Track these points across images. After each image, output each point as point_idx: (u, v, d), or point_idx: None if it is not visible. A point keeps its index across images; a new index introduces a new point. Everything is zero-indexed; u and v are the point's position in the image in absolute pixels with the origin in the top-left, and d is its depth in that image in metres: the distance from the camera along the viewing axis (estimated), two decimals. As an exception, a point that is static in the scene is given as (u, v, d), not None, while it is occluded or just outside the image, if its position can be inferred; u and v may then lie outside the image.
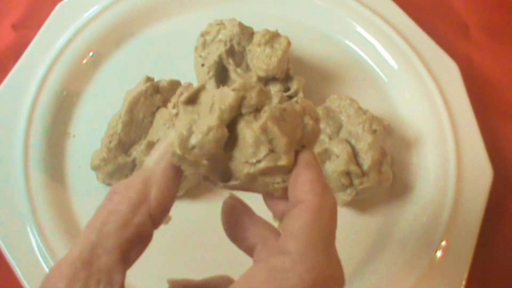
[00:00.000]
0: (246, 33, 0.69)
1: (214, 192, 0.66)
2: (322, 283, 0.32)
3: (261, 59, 0.65)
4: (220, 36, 0.69)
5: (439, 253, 0.62)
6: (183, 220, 0.64)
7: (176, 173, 0.35)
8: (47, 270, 0.59)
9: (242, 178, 0.34)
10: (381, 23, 0.75)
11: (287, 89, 0.67)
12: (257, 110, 0.34)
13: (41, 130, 0.67)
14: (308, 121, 0.35)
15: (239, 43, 0.68)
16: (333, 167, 0.62)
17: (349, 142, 0.63)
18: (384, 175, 0.63)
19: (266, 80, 0.67)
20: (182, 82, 0.67)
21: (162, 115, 0.62)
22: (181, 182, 0.37)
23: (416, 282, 0.60)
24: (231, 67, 0.68)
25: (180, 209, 0.65)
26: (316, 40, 0.77)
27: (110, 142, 0.62)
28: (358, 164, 0.62)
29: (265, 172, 0.34)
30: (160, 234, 0.65)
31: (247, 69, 0.68)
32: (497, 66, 0.78)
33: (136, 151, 0.63)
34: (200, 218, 0.65)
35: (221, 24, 0.69)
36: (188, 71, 0.70)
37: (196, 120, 0.34)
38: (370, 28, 0.76)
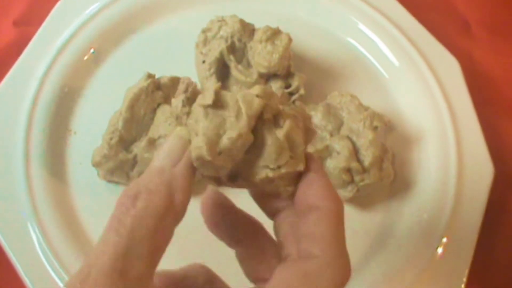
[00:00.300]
0: (247, 29, 0.69)
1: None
2: (346, 282, 0.35)
3: (262, 56, 0.65)
4: (221, 33, 0.69)
5: (440, 250, 0.62)
6: (184, 217, 0.65)
7: (193, 175, 0.35)
8: (48, 266, 0.59)
9: (258, 181, 0.35)
10: (382, 20, 0.75)
11: (288, 86, 0.67)
12: (274, 116, 0.35)
13: (42, 127, 0.67)
14: (309, 125, 0.37)
15: (240, 40, 0.68)
16: (334, 164, 0.62)
17: (350, 139, 0.63)
18: (385, 172, 0.63)
19: (267, 77, 0.67)
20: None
21: (163, 111, 0.62)
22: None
23: (417, 278, 0.61)
24: (232, 63, 0.68)
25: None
26: (317, 36, 0.77)
27: (111, 138, 0.62)
28: (359, 160, 0.62)
29: (283, 176, 0.35)
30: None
31: (248, 65, 0.68)
32: (498, 62, 0.78)
33: (137, 148, 0.63)
34: (200, 215, 0.64)
35: (222, 20, 0.69)
36: (189, 68, 0.70)
37: (222, 125, 0.34)
38: (371, 25, 0.76)
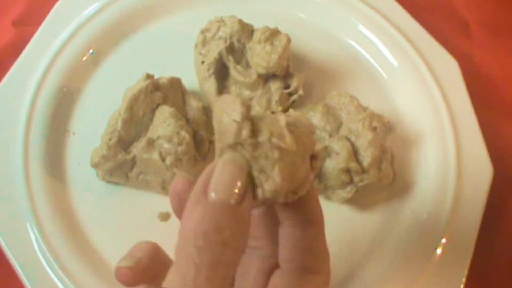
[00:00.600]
0: (246, 30, 0.69)
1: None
2: None
3: (261, 56, 0.65)
4: (220, 33, 0.69)
5: (439, 250, 0.62)
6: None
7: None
8: (47, 267, 0.59)
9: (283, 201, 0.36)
10: (381, 20, 0.75)
11: (287, 86, 0.68)
12: None
13: (41, 127, 0.67)
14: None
15: (239, 40, 0.68)
16: (333, 164, 0.62)
17: (349, 139, 0.63)
18: (384, 172, 0.63)
19: (266, 77, 0.67)
20: (182, 80, 0.67)
21: (162, 112, 0.62)
22: None
23: (416, 279, 0.60)
24: (231, 64, 0.68)
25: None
26: (316, 37, 0.77)
27: (110, 139, 0.62)
28: (358, 161, 0.62)
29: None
30: (160, 232, 0.65)
31: (247, 66, 0.68)
32: (497, 63, 0.78)
33: (136, 149, 0.62)
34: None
35: (221, 21, 0.69)
36: (188, 68, 0.70)
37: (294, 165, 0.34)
38: (370, 25, 0.76)
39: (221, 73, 0.69)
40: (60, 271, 0.59)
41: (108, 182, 0.65)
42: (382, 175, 0.63)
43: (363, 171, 0.62)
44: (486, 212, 0.63)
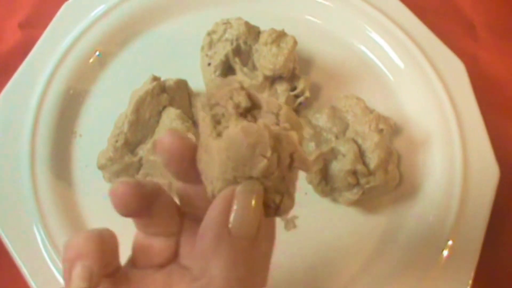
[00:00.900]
0: (253, 32, 0.69)
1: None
2: None
3: (267, 58, 0.65)
4: (226, 35, 0.69)
5: (445, 253, 0.62)
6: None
7: None
8: (53, 268, 0.59)
9: None
10: (387, 22, 0.75)
11: (293, 88, 0.68)
12: None
13: (47, 129, 0.67)
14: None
15: (245, 42, 0.68)
16: (339, 166, 0.62)
17: (355, 142, 0.63)
18: (390, 174, 0.63)
19: (273, 79, 0.67)
20: (189, 82, 0.68)
21: (169, 114, 0.62)
22: None
23: (422, 281, 0.60)
24: (237, 66, 0.68)
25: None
26: (322, 39, 0.77)
27: (116, 141, 0.62)
28: (364, 163, 0.62)
29: None
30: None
31: (254, 68, 0.68)
32: (503, 65, 0.78)
33: (143, 151, 0.63)
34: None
35: (227, 23, 0.69)
36: (194, 70, 0.70)
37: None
38: (376, 27, 0.76)
39: (228, 75, 0.69)
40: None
41: (114, 184, 0.65)
42: (389, 177, 0.63)
43: (370, 173, 0.62)
44: (492, 214, 0.63)
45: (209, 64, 0.68)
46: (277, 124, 0.33)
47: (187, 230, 0.39)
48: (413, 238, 0.64)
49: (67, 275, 0.34)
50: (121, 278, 0.38)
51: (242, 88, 0.35)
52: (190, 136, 0.60)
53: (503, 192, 0.65)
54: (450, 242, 0.62)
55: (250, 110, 0.35)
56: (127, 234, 0.64)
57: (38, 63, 0.71)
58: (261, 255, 0.33)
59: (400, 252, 0.63)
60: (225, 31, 0.69)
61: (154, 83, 0.64)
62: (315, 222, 0.65)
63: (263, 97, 0.35)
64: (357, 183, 0.62)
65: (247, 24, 0.68)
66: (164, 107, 0.64)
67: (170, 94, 0.65)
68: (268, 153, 0.31)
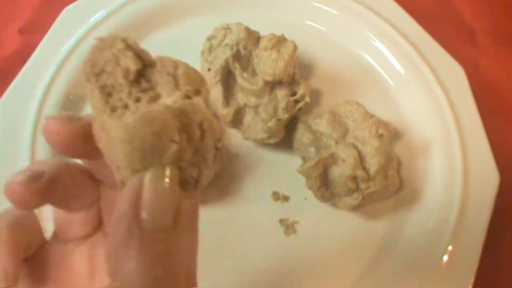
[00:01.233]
0: (253, 37, 0.69)
1: (221, 196, 0.66)
2: None
3: (267, 64, 0.65)
4: (226, 41, 0.69)
5: (445, 258, 0.62)
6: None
7: None
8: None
9: None
10: (387, 28, 0.75)
11: (293, 94, 0.67)
12: None
13: (47, 135, 0.67)
14: None
15: (245, 48, 0.68)
16: (339, 172, 0.62)
17: (355, 147, 0.63)
18: (390, 180, 0.63)
19: (273, 85, 0.67)
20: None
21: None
22: None
23: (422, 286, 0.60)
24: (237, 71, 0.68)
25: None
26: (322, 44, 0.77)
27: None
28: (364, 168, 0.62)
29: None
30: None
31: (254, 73, 0.68)
32: (503, 70, 0.78)
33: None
34: (206, 221, 0.64)
35: (227, 28, 0.69)
36: (194, 75, 0.70)
37: None
38: (377, 33, 0.76)
39: (228, 80, 0.69)
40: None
41: (114, 189, 0.65)
42: (389, 183, 0.63)
43: (370, 178, 0.62)
44: (492, 219, 0.63)
45: (209, 69, 0.68)
46: (177, 88, 0.31)
47: (106, 196, 0.36)
48: (413, 243, 0.64)
49: None
50: (42, 256, 0.35)
51: (128, 46, 0.32)
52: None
53: (503, 197, 0.65)
54: (450, 248, 0.62)
55: (142, 72, 0.32)
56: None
57: (38, 69, 0.70)
58: (182, 249, 0.29)
59: (400, 257, 0.63)
60: (225, 36, 0.69)
61: (154, 88, 0.64)
62: (315, 227, 0.65)
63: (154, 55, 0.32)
64: (357, 189, 0.62)
65: (247, 29, 0.69)
66: (164, 112, 0.64)
67: (170, 99, 0.64)
68: (176, 137, 0.29)
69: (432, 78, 0.72)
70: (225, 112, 0.67)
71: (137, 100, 0.30)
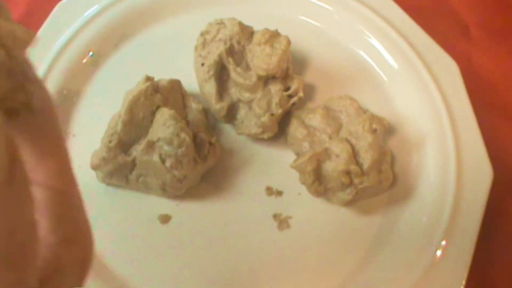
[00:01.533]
0: (246, 32, 0.69)
1: (215, 191, 0.66)
2: None
3: (261, 59, 0.65)
4: (220, 36, 0.69)
5: (439, 253, 0.62)
6: (183, 219, 0.65)
7: None
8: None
9: None
10: (381, 23, 0.75)
11: (287, 89, 0.67)
12: None
13: (41, 130, 0.67)
14: None
15: (239, 42, 0.68)
16: (333, 167, 0.62)
17: (349, 142, 0.63)
18: (384, 175, 0.63)
19: (266, 80, 0.67)
20: (182, 82, 0.68)
21: (162, 114, 0.62)
22: None
23: (416, 281, 0.60)
24: (231, 66, 0.68)
25: (180, 209, 0.65)
26: (316, 39, 0.77)
27: (110, 141, 0.62)
28: (358, 163, 0.62)
29: None
30: (160, 234, 0.65)
31: (247, 68, 0.68)
32: (497, 65, 0.78)
33: (136, 151, 0.62)
34: (200, 217, 0.65)
35: (221, 23, 0.69)
36: (188, 70, 0.70)
37: None
38: (370, 28, 0.76)
39: (221, 75, 0.69)
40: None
41: (108, 184, 0.65)
42: (382, 178, 0.63)
43: (363, 173, 0.62)
44: (486, 214, 0.63)
45: (202, 64, 0.68)
46: None
47: None
48: (406, 238, 0.64)
49: None
50: None
51: None
52: (183, 136, 0.60)
53: (496, 192, 0.65)
54: (443, 243, 0.62)
55: None
56: (124, 233, 0.64)
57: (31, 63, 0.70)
58: (21, 207, 0.23)
59: (394, 252, 0.63)
60: (218, 31, 0.69)
61: (148, 83, 0.64)
62: (308, 222, 0.65)
63: None
64: (351, 183, 0.62)
65: (240, 24, 0.68)
66: (158, 107, 0.64)
67: (164, 94, 0.65)
68: None
69: (426, 73, 0.72)
70: (219, 107, 0.67)
71: None
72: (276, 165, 0.68)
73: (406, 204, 0.66)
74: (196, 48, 0.70)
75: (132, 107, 0.62)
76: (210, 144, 0.65)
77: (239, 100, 0.68)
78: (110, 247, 0.62)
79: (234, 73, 0.67)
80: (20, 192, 0.23)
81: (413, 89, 0.72)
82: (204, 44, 0.70)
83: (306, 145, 0.65)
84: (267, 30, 0.67)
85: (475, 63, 0.78)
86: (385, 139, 0.68)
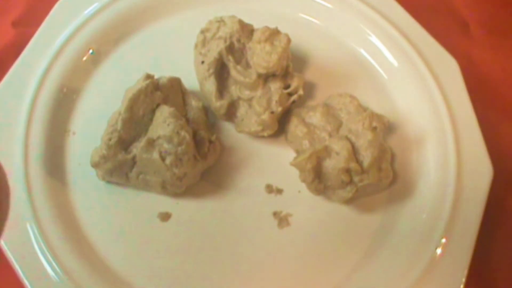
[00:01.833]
0: (246, 30, 0.69)
1: (215, 189, 0.66)
2: None
3: (261, 56, 0.65)
4: (220, 33, 0.69)
5: (439, 250, 0.62)
6: (183, 217, 0.65)
7: None
8: (46, 266, 0.59)
9: None
10: (381, 21, 0.75)
11: (287, 86, 0.67)
12: None
13: (41, 127, 0.67)
14: None
15: (239, 40, 0.68)
16: (333, 164, 0.62)
17: (349, 139, 0.63)
18: (384, 172, 0.63)
19: (266, 77, 0.67)
20: (182, 80, 0.68)
21: (162, 112, 0.62)
22: None
23: (416, 279, 0.60)
24: (231, 64, 0.68)
25: (180, 207, 0.65)
26: (316, 37, 0.77)
27: (110, 139, 0.62)
28: (358, 161, 0.62)
29: None
30: (160, 231, 0.65)
31: (247, 66, 0.68)
32: (496, 63, 0.78)
33: (136, 149, 0.62)
34: (200, 215, 0.65)
35: (221, 21, 0.69)
36: (188, 68, 0.70)
37: None
38: (370, 26, 0.76)
39: (221, 73, 0.69)
40: (60, 270, 0.59)
41: (108, 182, 0.65)
42: (382, 175, 0.63)
43: (363, 171, 0.62)
44: (486, 212, 0.63)
45: (202, 62, 0.68)
46: None
47: None
48: (406, 236, 0.64)
49: None
50: None
51: None
52: (184, 133, 0.60)
53: (496, 189, 0.65)
54: (443, 240, 0.62)
55: None
56: (124, 230, 0.64)
57: (32, 62, 0.70)
58: None
59: (394, 250, 0.63)
60: (218, 29, 0.69)
61: (148, 81, 0.64)
62: (308, 220, 0.65)
63: None
64: (351, 181, 0.62)
65: (240, 22, 0.68)
66: (158, 105, 0.64)
67: (164, 92, 0.65)
68: None
69: (426, 71, 0.72)
70: (219, 105, 0.67)
71: None
72: (276, 163, 0.68)
73: (406, 201, 0.66)
74: (196, 46, 0.70)
75: (132, 105, 0.62)
76: (210, 142, 0.65)
77: (239, 98, 0.68)
78: (110, 244, 0.63)
79: (234, 71, 0.67)
80: None
81: (413, 87, 0.72)
82: (204, 42, 0.70)
83: (306, 143, 0.65)
84: (267, 28, 0.67)
85: (475, 61, 0.78)
86: (385, 137, 0.68)
